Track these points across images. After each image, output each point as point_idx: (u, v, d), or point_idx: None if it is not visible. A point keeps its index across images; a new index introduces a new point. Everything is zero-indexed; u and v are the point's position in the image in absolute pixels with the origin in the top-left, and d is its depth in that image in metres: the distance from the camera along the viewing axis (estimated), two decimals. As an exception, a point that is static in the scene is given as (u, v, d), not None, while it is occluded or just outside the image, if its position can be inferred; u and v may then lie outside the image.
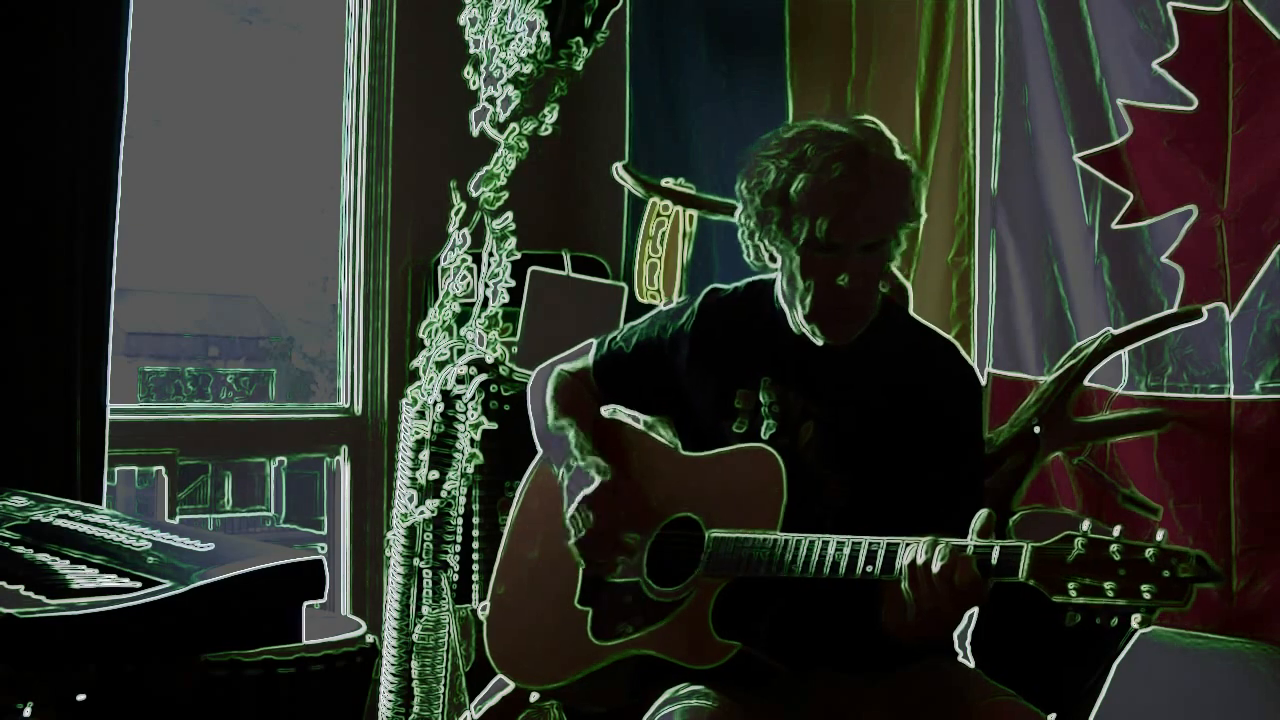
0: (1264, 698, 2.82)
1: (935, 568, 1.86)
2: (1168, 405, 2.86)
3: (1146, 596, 1.71)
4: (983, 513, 1.89)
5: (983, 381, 3.14)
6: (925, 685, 2.12)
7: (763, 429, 2.21)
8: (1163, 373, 2.88)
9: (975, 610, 2.45)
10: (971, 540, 1.87)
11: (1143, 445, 2.89)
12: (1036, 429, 2.83)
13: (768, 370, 2.23)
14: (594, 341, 2.46)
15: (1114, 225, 2.95)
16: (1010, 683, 2.12)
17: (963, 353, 2.34)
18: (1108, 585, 1.73)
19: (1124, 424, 2.90)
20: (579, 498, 2.23)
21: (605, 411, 2.45)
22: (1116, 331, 2.86)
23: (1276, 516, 2.74)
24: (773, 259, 2.19)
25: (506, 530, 2.47)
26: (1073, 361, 2.86)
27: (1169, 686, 2.91)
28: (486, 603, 2.47)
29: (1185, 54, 2.84)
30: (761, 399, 2.22)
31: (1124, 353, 2.89)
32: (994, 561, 1.84)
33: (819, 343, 2.18)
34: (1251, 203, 2.75)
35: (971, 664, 2.37)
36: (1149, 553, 1.73)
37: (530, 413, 2.48)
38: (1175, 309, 2.84)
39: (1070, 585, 1.76)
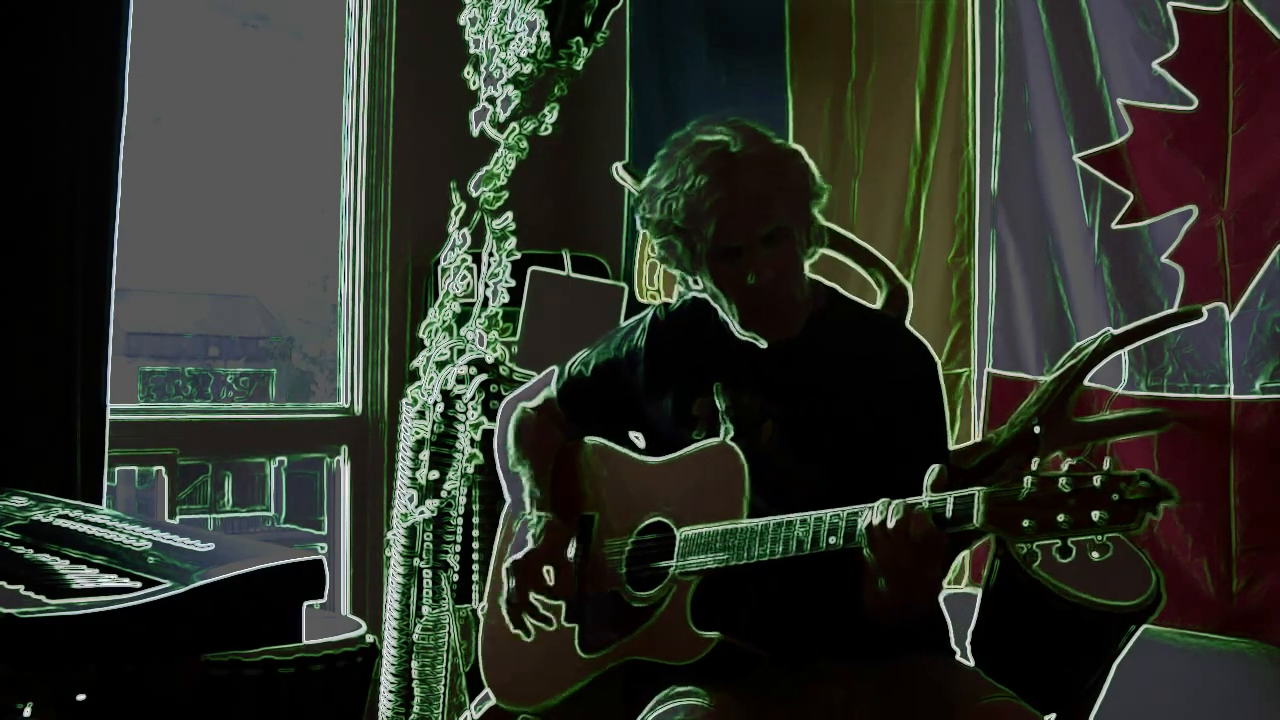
0: (1264, 698, 2.82)
1: (890, 524, 1.88)
2: (1168, 405, 2.86)
3: (1099, 522, 1.73)
4: (934, 468, 1.91)
5: (983, 382, 3.15)
6: (922, 684, 2.12)
7: (722, 433, 2.23)
8: (1163, 373, 2.88)
9: (981, 605, 2.46)
10: (926, 496, 1.89)
11: (1143, 445, 2.89)
12: (1036, 429, 2.83)
13: (721, 376, 2.25)
14: (555, 369, 2.49)
15: (1114, 225, 2.95)
16: (1010, 683, 2.12)
17: (911, 330, 2.36)
18: (1060, 518, 1.76)
19: (1124, 424, 2.90)
20: (507, 561, 2.28)
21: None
22: (1116, 331, 2.86)
23: (1276, 516, 2.74)
24: (696, 282, 2.22)
25: (493, 560, 2.49)
26: (1073, 361, 2.85)
27: (1169, 686, 2.91)
28: (484, 604, 2.48)
29: (1185, 54, 2.84)
30: (718, 404, 2.25)
31: (1124, 353, 2.89)
32: (949, 514, 1.86)
33: (763, 345, 2.20)
34: (1251, 203, 2.76)
35: (970, 664, 2.37)
36: (1097, 480, 1.75)
37: (495, 450, 2.53)
38: (1175, 309, 2.84)
39: (1025, 523, 1.78)
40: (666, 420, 2.31)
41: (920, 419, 2.21)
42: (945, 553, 1.93)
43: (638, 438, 2.44)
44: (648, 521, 2.25)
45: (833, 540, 1.96)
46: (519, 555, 2.28)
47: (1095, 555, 1.77)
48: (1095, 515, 1.73)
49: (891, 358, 2.24)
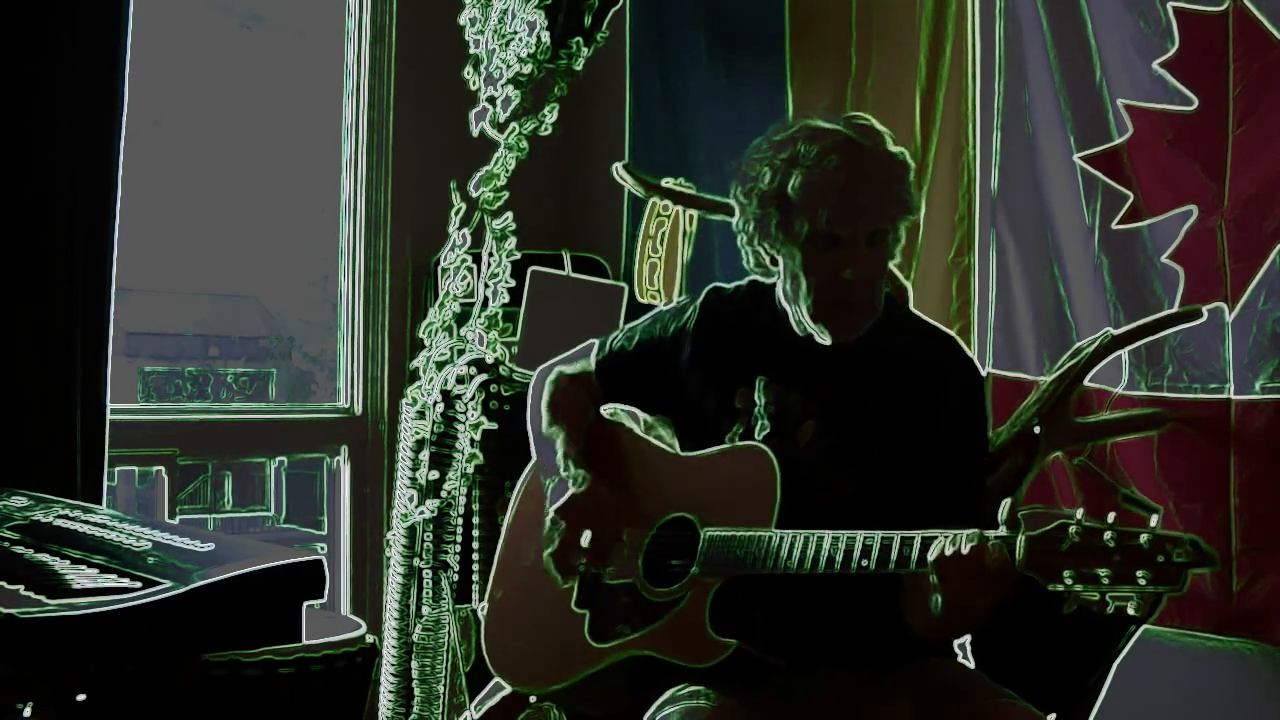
0: (1264, 698, 2.82)
1: (965, 550, 1.84)
2: (1168, 405, 2.86)
3: (1142, 582, 1.73)
4: (1006, 502, 1.89)
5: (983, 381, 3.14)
6: (927, 685, 2.12)
7: (758, 429, 2.21)
8: (1163, 373, 2.88)
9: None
10: (964, 531, 1.87)
11: (1143, 445, 2.89)
12: (1037, 429, 2.83)
13: (767, 371, 2.22)
14: (595, 342, 2.46)
15: (1114, 225, 2.95)
16: (1010, 683, 2.12)
17: (963, 346, 2.34)
18: (1103, 572, 1.75)
19: (1124, 424, 2.90)
20: (551, 510, 2.25)
21: (606, 411, 2.46)
22: (1116, 331, 2.86)
23: (1276, 516, 2.74)
24: (774, 261, 2.18)
25: (503, 535, 2.48)
26: (1073, 361, 2.86)
27: (1169, 686, 2.91)
28: (485, 603, 2.47)
29: (1185, 54, 2.84)
30: (759, 399, 2.22)
31: (1124, 353, 2.89)
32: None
33: (826, 341, 2.17)
34: (1251, 203, 2.76)
35: (971, 665, 2.37)
36: (1143, 539, 1.74)
37: (528, 415, 2.49)
38: (1175, 309, 2.84)
39: (1066, 573, 1.77)
40: (706, 408, 2.27)
41: (962, 437, 2.18)
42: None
43: (634, 415, 2.43)
44: (671, 516, 2.23)
45: (864, 564, 1.94)
46: (564, 499, 2.24)
47: (1131, 610, 1.76)
48: (1139, 574, 1.72)
49: (942, 372, 2.21)
